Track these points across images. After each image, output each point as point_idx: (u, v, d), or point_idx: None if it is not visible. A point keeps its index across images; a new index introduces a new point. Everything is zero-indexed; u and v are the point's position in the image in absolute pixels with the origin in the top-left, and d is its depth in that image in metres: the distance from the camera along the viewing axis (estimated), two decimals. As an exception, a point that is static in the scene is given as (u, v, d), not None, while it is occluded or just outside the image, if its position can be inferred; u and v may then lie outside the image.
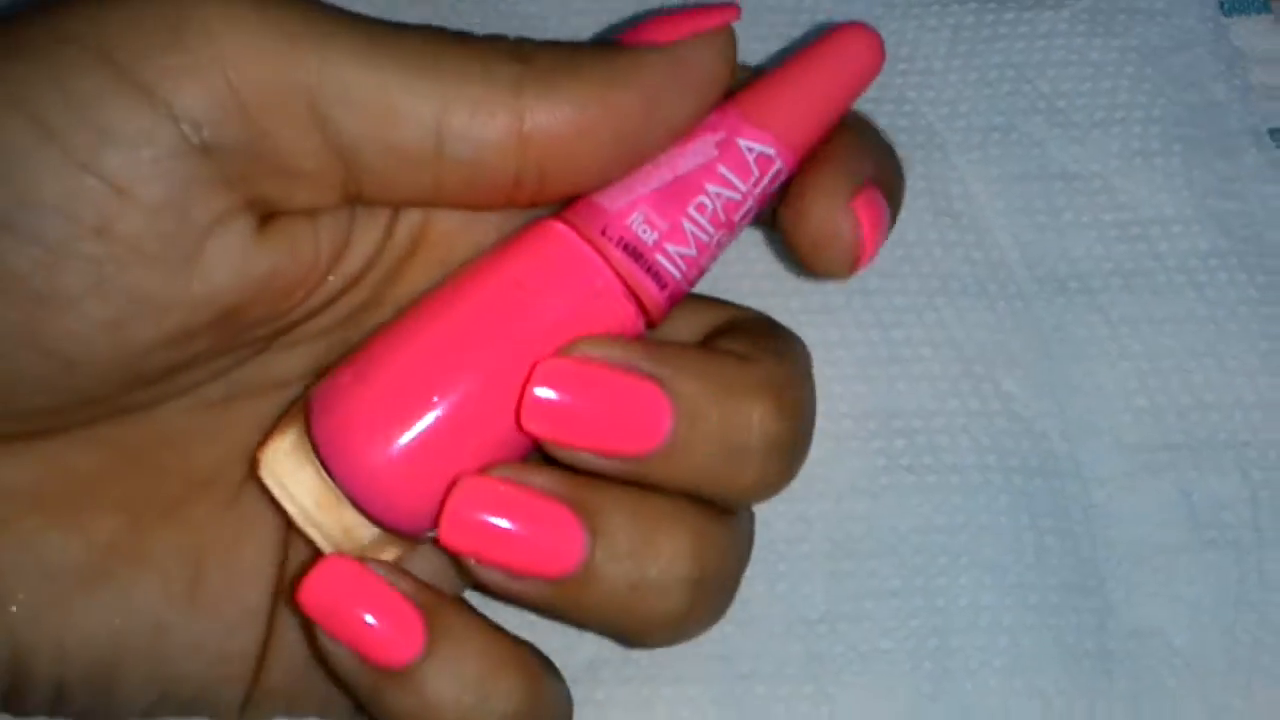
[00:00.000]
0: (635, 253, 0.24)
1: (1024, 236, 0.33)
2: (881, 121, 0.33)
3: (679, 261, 0.24)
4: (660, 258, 0.24)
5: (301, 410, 0.25)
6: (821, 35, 0.25)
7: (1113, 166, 0.33)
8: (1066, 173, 0.33)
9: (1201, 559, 0.31)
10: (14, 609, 0.24)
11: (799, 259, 0.26)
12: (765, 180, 0.25)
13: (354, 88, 0.22)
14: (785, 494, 0.31)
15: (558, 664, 0.30)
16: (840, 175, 0.25)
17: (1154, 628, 0.30)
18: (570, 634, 0.30)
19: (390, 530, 0.24)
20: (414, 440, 0.23)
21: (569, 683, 0.30)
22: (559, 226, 0.24)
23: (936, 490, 0.31)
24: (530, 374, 0.23)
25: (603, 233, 0.24)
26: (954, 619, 0.30)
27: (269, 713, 0.27)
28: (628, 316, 0.24)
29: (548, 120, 0.23)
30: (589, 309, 0.24)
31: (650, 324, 0.25)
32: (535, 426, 0.23)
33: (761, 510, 0.31)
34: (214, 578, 0.26)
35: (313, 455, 0.24)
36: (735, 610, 0.30)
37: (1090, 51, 0.33)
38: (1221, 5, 0.34)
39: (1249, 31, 0.34)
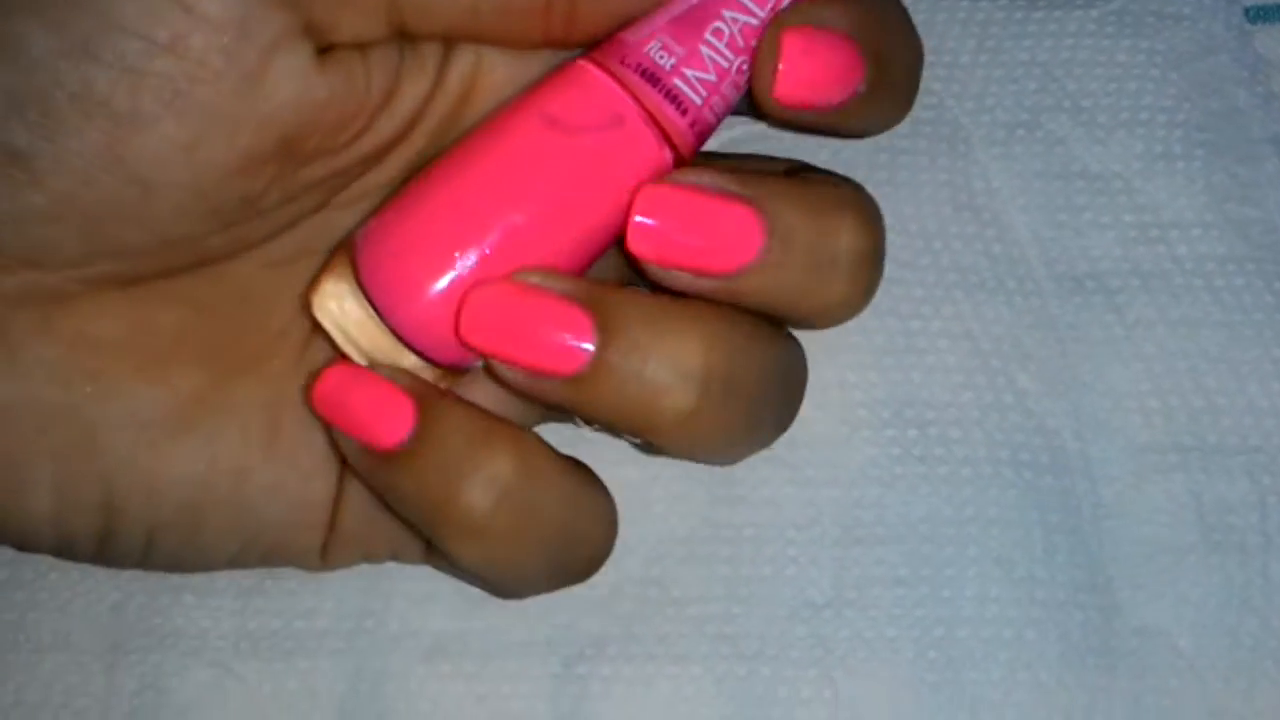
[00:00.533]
0: (652, 78, 0.25)
1: (1044, 233, 0.33)
2: (906, 113, 0.33)
3: (697, 86, 0.25)
4: (678, 81, 0.25)
5: (348, 250, 0.26)
6: None
7: (1135, 168, 0.33)
8: (1088, 172, 0.33)
9: (1208, 561, 0.31)
10: (108, 456, 0.26)
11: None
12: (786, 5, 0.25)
13: None
14: (796, 479, 0.31)
15: (562, 641, 0.30)
16: (798, 10, 0.25)
17: (1158, 628, 0.30)
18: (575, 611, 0.30)
19: (437, 363, 0.26)
20: (454, 274, 0.24)
21: (572, 660, 0.30)
22: (580, 61, 0.25)
23: (947, 482, 0.31)
24: (568, 203, 0.25)
25: (621, 61, 0.25)
26: (960, 610, 0.30)
27: (346, 559, 0.29)
28: (648, 142, 0.25)
29: None
30: (614, 138, 0.25)
31: (676, 151, 0.25)
32: (639, 249, 0.25)
33: (771, 493, 0.31)
34: (290, 427, 0.27)
35: (360, 293, 0.25)
36: (740, 591, 0.31)
37: (1117, 53, 0.33)
38: (1247, 13, 0.34)
39: (1273, 40, 0.34)
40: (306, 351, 0.28)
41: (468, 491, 0.25)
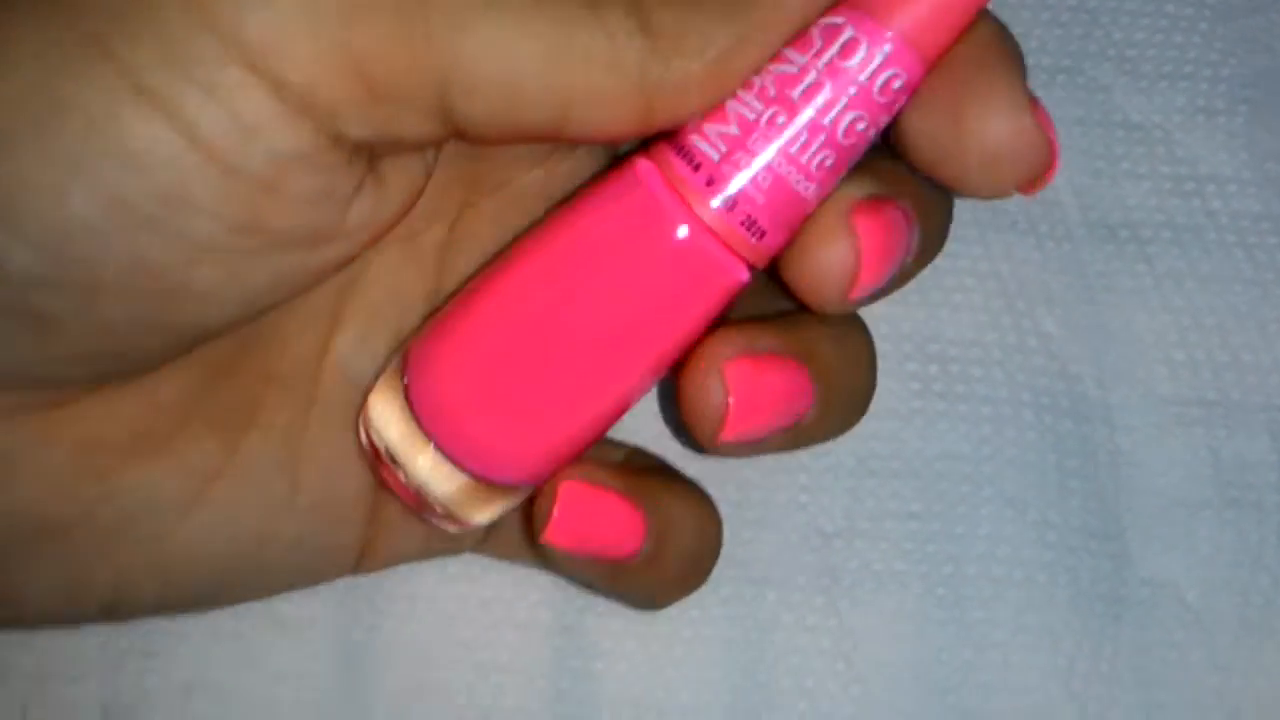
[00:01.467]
0: (677, 144, 0.22)
1: (1080, 180, 0.32)
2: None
3: (716, 141, 0.22)
4: (694, 137, 0.22)
5: (397, 371, 0.25)
6: None
7: (1175, 120, 0.33)
8: (1129, 121, 0.33)
9: (1222, 517, 0.31)
10: (119, 550, 0.24)
11: (958, 181, 0.23)
12: (833, 51, 0.21)
13: (482, 78, 0.21)
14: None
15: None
16: (1004, 81, 0.22)
17: (1168, 580, 0.30)
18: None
19: (492, 483, 0.24)
20: (503, 401, 0.23)
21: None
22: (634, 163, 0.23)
23: (966, 419, 0.31)
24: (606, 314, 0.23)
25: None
26: (971, 547, 0.30)
27: (379, 568, 0.28)
28: (659, 207, 0.22)
29: (673, 101, 0.22)
30: (627, 203, 0.23)
31: (687, 206, 0.22)
32: (727, 436, 0.24)
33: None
34: (309, 481, 0.26)
35: (409, 414, 0.24)
36: (750, 515, 0.30)
37: (1166, 4, 0.33)
38: (1298, -27, 0.34)
39: (1324, 2, 0.34)
40: (315, 399, 0.26)
41: (676, 568, 0.26)
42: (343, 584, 0.29)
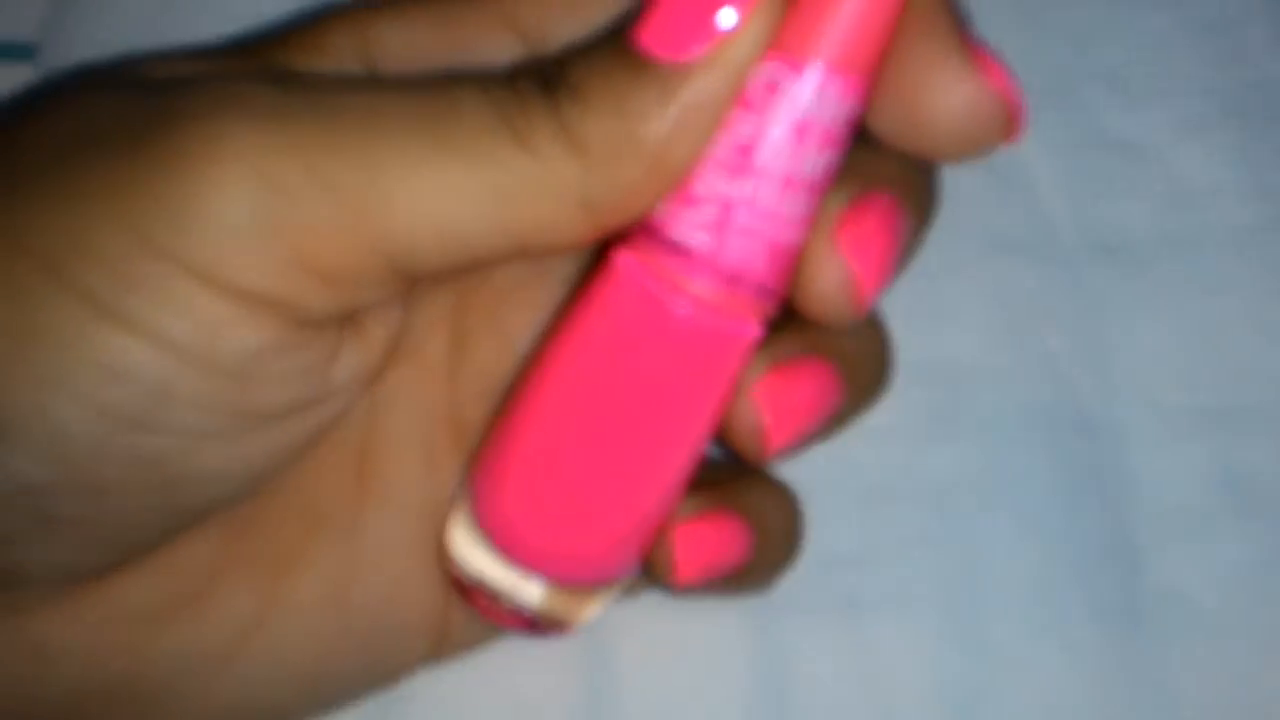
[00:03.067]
0: (653, 232, 0.22)
1: (1075, 199, 0.33)
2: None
3: (692, 227, 0.22)
4: (669, 224, 0.22)
5: (464, 497, 0.25)
6: None
7: (1167, 137, 0.33)
8: (1121, 140, 0.33)
9: (1235, 526, 0.31)
10: (156, 709, 0.24)
11: (932, 155, 0.23)
12: (776, 101, 0.21)
13: (427, 237, 0.21)
14: (824, 434, 0.31)
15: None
16: (943, 50, 0.22)
17: (1184, 591, 0.30)
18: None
19: (587, 584, 0.25)
20: (574, 509, 0.24)
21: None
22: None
23: (975, 441, 0.31)
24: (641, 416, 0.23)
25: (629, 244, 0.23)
26: (986, 567, 0.30)
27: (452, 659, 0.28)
28: (656, 304, 0.22)
29: (623, 208, 0.21)
30: (629, 319, 0.23)
31: (686, 294, 0.22)
32: (771, 451, 0.25)
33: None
34: (366, 608, 0.25)
35: (481, 536, 0.25)
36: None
37: (1152, 22, 0.34)
38: (1281, -16, 0.34)
39: (1307, 11, 0.34)
40: (358, 523, 0.26)
41: (779, 549, 0.28)
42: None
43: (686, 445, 0.24)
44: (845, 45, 0.21)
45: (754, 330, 0.23)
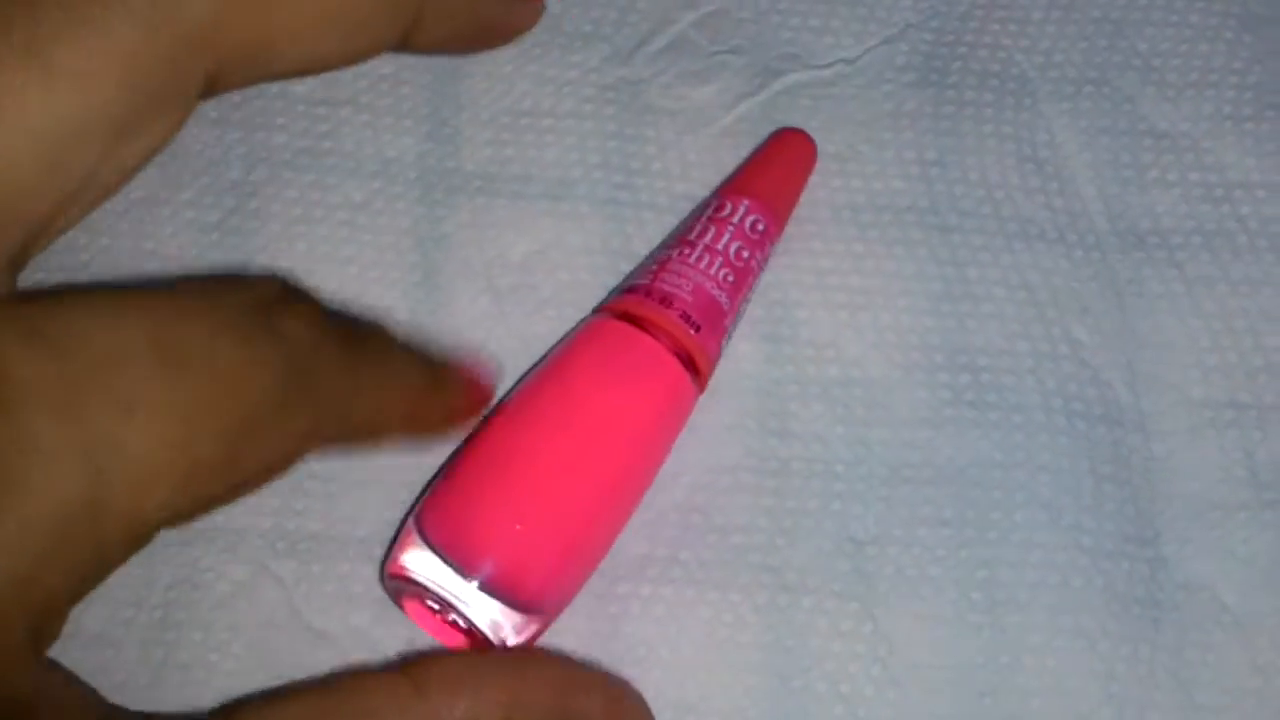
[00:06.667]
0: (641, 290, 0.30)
1: (1108, 189, 0.33)
2: (974, 67, 0.33)
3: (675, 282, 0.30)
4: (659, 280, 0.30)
5: (415, 522, 0.28)
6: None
7: (1203, 128, 0.33)
8: (1156, 130, 0.33)
9: (1259, 519, 0.30)
10: None
11: None
12: (707, 214, 0.30)
13: None
14: (846, 417, 0.31)
15: (608, 561, 0.30)
16: None
17: (1205, 583, 0.30)
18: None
19: (518, 609, 0.27)
20: (517, 534, 0.27)
21: (613, 578, 0.30)
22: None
23: (998, 427, 0.31)
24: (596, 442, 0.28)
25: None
26: (1005, 553, 0.30)
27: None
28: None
29: None
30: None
31: (676, 349, 0.29)
32: None
33: (821, 429, 0.31)
34: None
35: (436, 553, 0.27)
36: (784, 523, 0.30)
37: (1190, 14, 0.33)
38: (1322, -20, 0.34)
39: (1348, 8, 0.34)
40: None
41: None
42: (377, 595, 0.29)
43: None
44: (766, 192, 0.31)
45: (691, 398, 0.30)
